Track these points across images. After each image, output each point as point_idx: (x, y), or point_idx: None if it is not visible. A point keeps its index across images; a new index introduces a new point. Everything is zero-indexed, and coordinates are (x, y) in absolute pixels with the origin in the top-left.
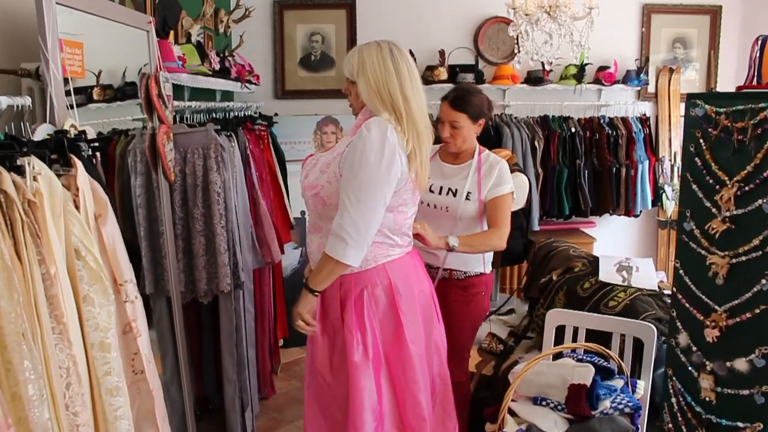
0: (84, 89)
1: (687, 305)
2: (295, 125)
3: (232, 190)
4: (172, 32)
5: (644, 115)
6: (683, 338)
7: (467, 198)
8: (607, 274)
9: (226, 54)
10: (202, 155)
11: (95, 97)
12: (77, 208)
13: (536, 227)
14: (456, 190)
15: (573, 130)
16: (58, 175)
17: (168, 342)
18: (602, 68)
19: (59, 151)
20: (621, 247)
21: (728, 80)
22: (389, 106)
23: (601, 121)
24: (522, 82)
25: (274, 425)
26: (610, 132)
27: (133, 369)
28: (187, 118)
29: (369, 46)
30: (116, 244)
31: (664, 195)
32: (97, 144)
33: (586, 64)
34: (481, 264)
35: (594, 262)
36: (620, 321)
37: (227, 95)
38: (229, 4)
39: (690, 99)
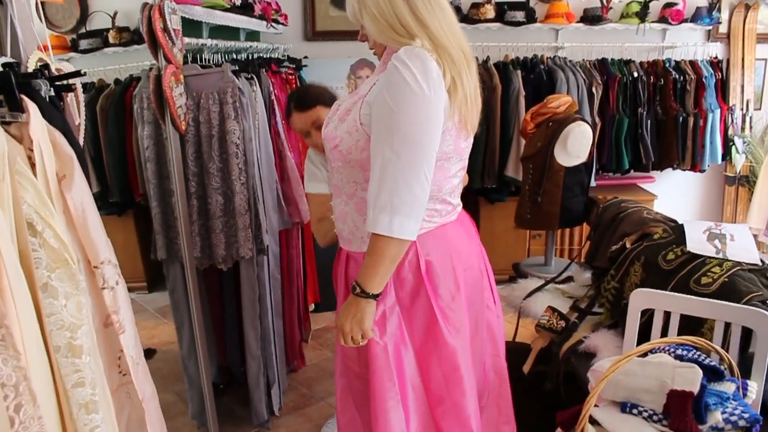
0: (99, 32)
1: None
2: (326, 69)
3: (254, 141)
4: None
5: (715, 57)
6: None
7: None
8: (696, 243)
9: None
10: (217, 101)
11: (111, 40)
12: (33, 167)
13: (593, 183)
14: None
15: (635, 74)
16: (5, 123)
17: (184, 312)
18: (668, 5)
19: (6, 90)
20: (684, 205)
21: None
22: (408, 38)
23: (667, 64)
24: (578, 21)
25: (303, 402)
26: (676, 77)
27: (120, 369)
28: (205, 59)
29: None
30: (87, 214)
31: (733, 148)
32: (65, 83)
33: (650, 1)
34: None
35: (677, 228)
36: (726, 306)
37: (253, 36)
38: None
39: None
